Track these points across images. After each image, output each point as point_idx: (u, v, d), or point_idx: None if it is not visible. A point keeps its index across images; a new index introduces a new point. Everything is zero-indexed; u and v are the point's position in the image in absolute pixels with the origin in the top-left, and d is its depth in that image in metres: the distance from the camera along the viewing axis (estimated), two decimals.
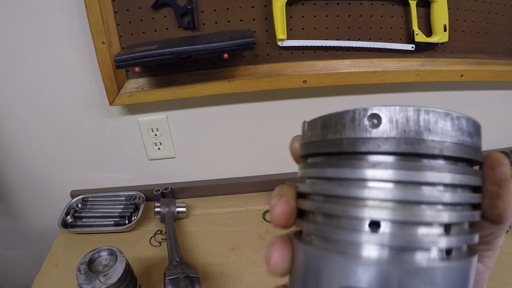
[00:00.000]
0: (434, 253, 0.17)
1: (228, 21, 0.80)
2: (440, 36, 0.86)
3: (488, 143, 1.17)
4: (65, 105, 0.89)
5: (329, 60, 0.87)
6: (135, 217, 0.92)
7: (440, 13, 0.84)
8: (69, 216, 0.93)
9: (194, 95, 0.84)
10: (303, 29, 0.83)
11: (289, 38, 0.82)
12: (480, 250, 0.22)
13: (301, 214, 0.22)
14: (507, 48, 0.96)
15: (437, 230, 0.18)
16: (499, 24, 0.92)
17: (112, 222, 0.91)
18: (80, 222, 0.93)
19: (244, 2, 0.78)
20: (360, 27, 0.85)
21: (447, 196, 0.18)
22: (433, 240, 0.17)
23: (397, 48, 0.87)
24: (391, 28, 0.86)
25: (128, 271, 0.66)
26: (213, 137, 0.99)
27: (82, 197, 0.99)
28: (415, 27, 0.84)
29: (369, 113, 0.18)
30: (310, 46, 0.84)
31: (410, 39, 0.87)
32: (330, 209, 0.19)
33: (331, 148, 0.19)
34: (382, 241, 0.17)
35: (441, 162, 0.18)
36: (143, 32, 0.79)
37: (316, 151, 0.21)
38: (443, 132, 0.18)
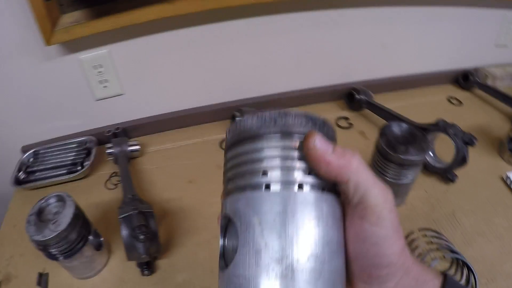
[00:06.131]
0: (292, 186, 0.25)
1: None
2: None
3: (451, 62, 1.16)
4: None
5: None
6: (88, 162, 0.88)
7: None
8: (21, 173, 0.88)
9: (134, 22, 0.77)
10: None
11: None
12: (353, 206, 0.26)
13: None
14: None
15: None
16: None
17: (65, 171, 0.87)
18: (33, 176, 0.88)
19: None
20: None
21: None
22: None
23: None
24: None
25: (78, 215, 0.62)
26: (161, 67, 0.93)
27: (34, 151, 0.93)
28: None
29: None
30: None
31: None
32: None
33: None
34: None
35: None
36: None
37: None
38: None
